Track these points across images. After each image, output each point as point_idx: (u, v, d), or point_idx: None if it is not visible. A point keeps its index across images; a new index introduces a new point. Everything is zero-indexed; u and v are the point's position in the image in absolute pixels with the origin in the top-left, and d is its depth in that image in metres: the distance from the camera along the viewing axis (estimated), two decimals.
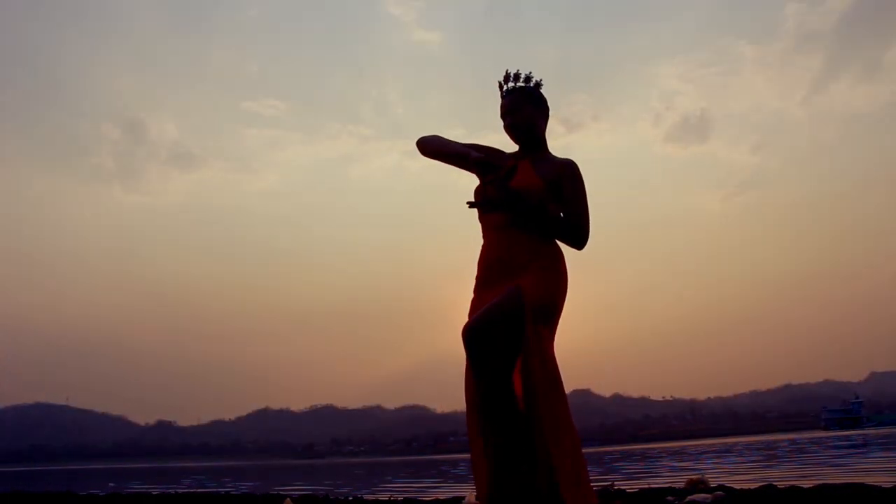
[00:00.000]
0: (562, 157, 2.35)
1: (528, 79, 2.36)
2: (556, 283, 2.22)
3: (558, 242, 2.29)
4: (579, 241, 2.24)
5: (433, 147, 2.38)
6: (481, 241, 2.37)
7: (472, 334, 2.09)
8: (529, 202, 2.20)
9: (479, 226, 2.38)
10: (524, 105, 2.32)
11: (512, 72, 2.37)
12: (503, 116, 2.36)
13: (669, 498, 3.40)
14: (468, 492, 3.99)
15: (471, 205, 2.26)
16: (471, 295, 2.35)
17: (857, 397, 75.08)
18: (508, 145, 2.45)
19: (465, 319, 2.22)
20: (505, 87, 2.38)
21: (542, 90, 2.39)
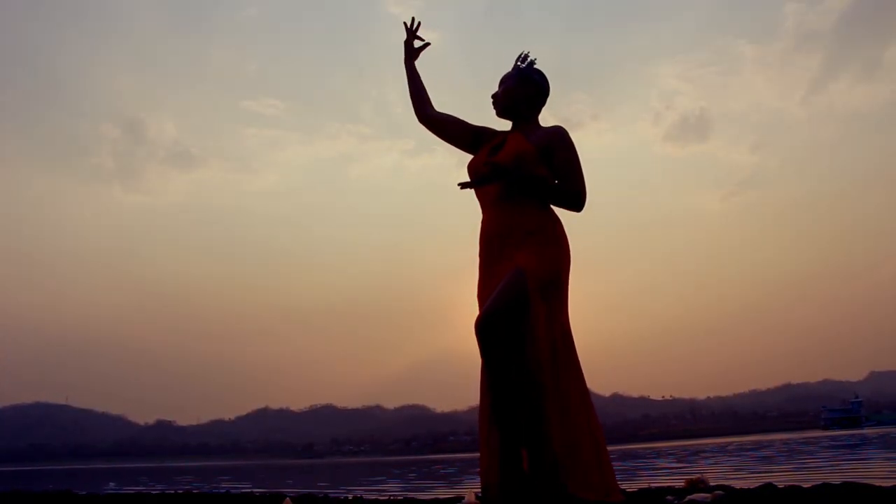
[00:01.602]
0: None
1: (524, 59, 2.45)
2: (555, 253, 2.23)
3: (555, 210, 2.30)
4: (576, 203, 2.24)
5: (411, 95, 2.59)
6: (479, 240, 2.36)
7: (485, 327, 2.08)
8: (519, 170, 2.21)
9: (477, 223, 2.39)
10: (508, 80, 2.43)
11: (522, 54, 2.47)
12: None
13: (669, 497, 3.40)
14: (467, 491, 3.99)
15: (462, 185, 2.27)
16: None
17: (856, 397, 75.17)
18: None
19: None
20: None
21: (537, 70, 2.45)
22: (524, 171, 2.21)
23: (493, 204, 2.30)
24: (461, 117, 2.53)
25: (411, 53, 2.62)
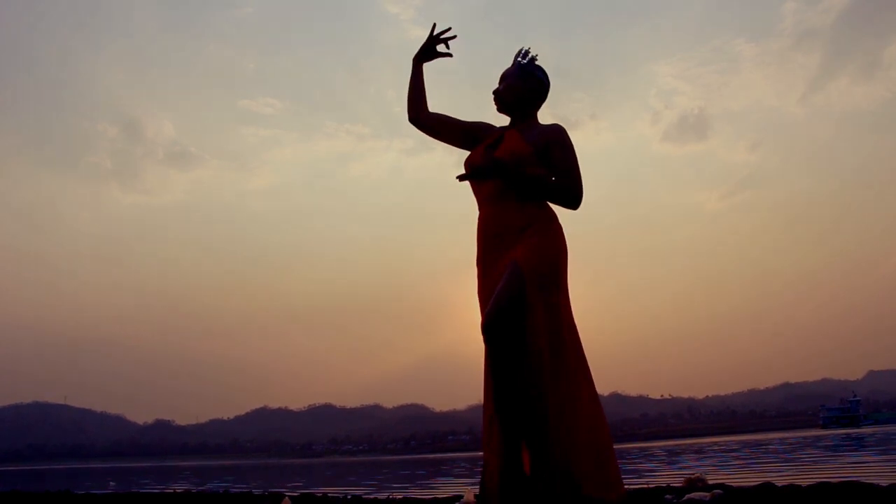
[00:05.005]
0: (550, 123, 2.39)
1: (525, 55, 2.45)
2: (550, 245, 2.23)
3: (552, 206, 2.31)
4: (573, 201, 2.25)
5: (408, 95, 2.53)
6: (477, 238, 2.36)
7: (491, 328, 2.08)
8: (517, 167, 2.22)
9: (473, 223, 2.39)
10: (509, 76, 2.42)
11: (523, 50, 2.47)
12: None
13: (668, 496, 3.40)
14: (466, 490, 3.99)
15: (460, 178, 2.29)
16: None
17: (854, 396, 75.10)
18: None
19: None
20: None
21: (538, 66, 2.44)
22: (522, 170, 2.22)
23: (489, 201, 2.31)
24: (458, 114, 2.52)
25: (425, 54, 2.56)
